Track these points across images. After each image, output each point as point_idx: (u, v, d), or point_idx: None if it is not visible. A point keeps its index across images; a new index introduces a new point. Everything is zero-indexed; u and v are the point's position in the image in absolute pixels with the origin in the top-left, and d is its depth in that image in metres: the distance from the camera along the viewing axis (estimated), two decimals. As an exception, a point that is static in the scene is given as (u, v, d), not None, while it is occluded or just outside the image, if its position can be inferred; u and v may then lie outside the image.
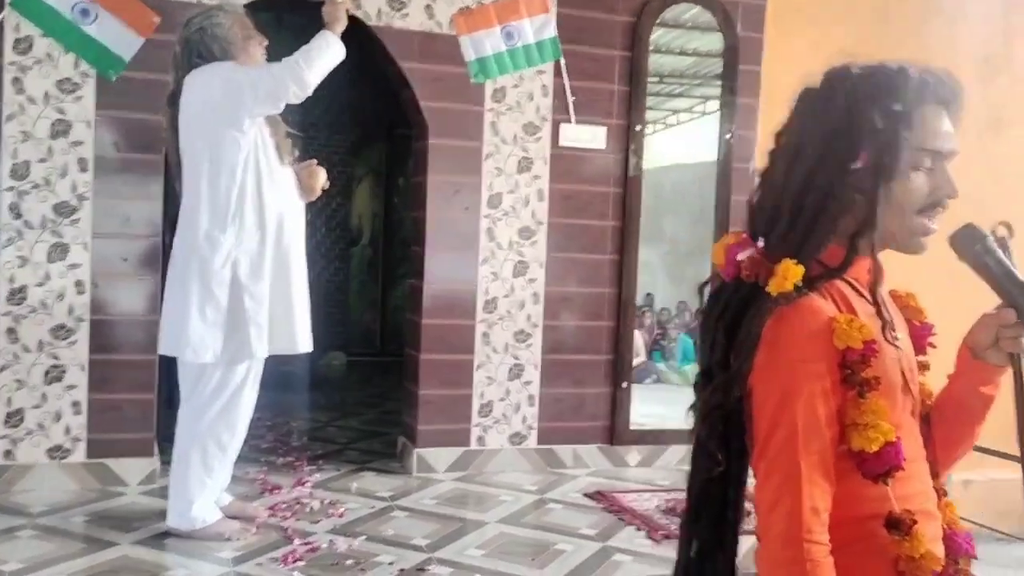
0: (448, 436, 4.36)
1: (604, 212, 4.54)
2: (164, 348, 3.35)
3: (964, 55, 5.19)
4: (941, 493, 1.42)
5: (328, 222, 8.18)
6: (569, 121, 4.42)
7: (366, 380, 7.24)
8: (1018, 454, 1.30)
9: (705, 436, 1.36)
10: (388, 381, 6.54)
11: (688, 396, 1.45)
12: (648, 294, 6.10)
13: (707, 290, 1.44)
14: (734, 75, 4.67)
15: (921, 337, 1.47)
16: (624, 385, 4.57)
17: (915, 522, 1.28)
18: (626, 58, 4.51)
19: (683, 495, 1.49)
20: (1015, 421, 1.31)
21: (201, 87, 3.20)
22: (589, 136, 4.46)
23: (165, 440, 3.68)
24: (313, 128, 7.38)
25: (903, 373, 1.34)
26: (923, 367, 1.45)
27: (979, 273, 1.32)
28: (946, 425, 1.44)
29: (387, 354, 7.86)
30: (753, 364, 1.28)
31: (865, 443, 1.26)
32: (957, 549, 1.38)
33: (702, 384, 1.39)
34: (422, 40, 4.22)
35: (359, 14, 4.03)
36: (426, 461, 4.31)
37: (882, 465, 1.26)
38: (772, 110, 4.72)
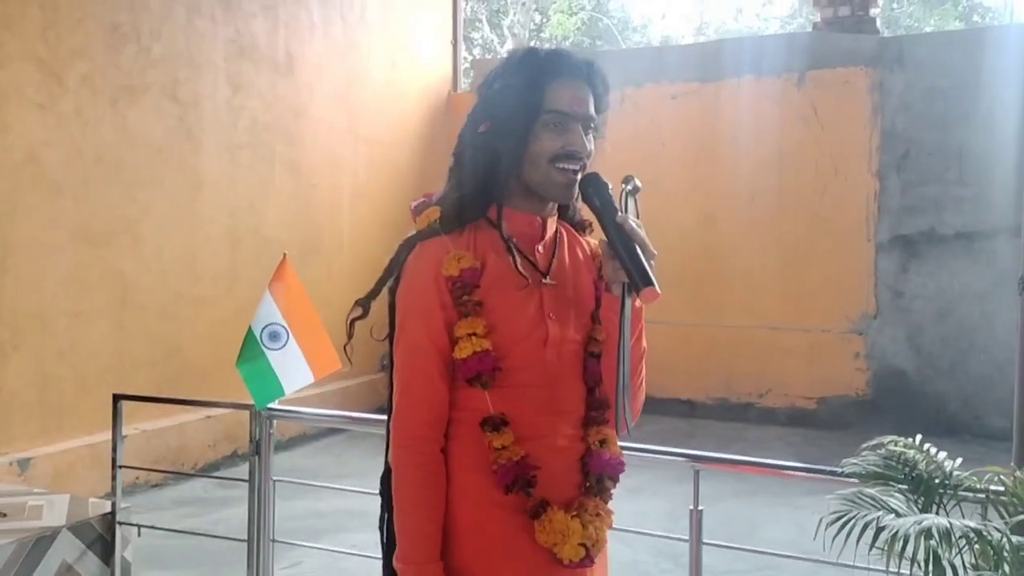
0: None
1: None
2: None
3: (95, 19, 5.26)
4: (601, 421, 1.67)
5: None
6: None
7: None
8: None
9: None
10: None
11: None
12: None
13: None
14: None
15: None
16: None
17: (506, 423, 1.58)
18: None
19: None
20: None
21: None
22: None
23: None
24: None
25: (543, 308, 1.61)
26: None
27: (591, 211, 1.59)
28: (607, 355, 1.67)
29: None
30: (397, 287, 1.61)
31: (460, 352, 1.56)
32: (599, 467, 1.65)
33: None
34: None
35: None
36: None
37: (472, 370, 1.56)
38: None
